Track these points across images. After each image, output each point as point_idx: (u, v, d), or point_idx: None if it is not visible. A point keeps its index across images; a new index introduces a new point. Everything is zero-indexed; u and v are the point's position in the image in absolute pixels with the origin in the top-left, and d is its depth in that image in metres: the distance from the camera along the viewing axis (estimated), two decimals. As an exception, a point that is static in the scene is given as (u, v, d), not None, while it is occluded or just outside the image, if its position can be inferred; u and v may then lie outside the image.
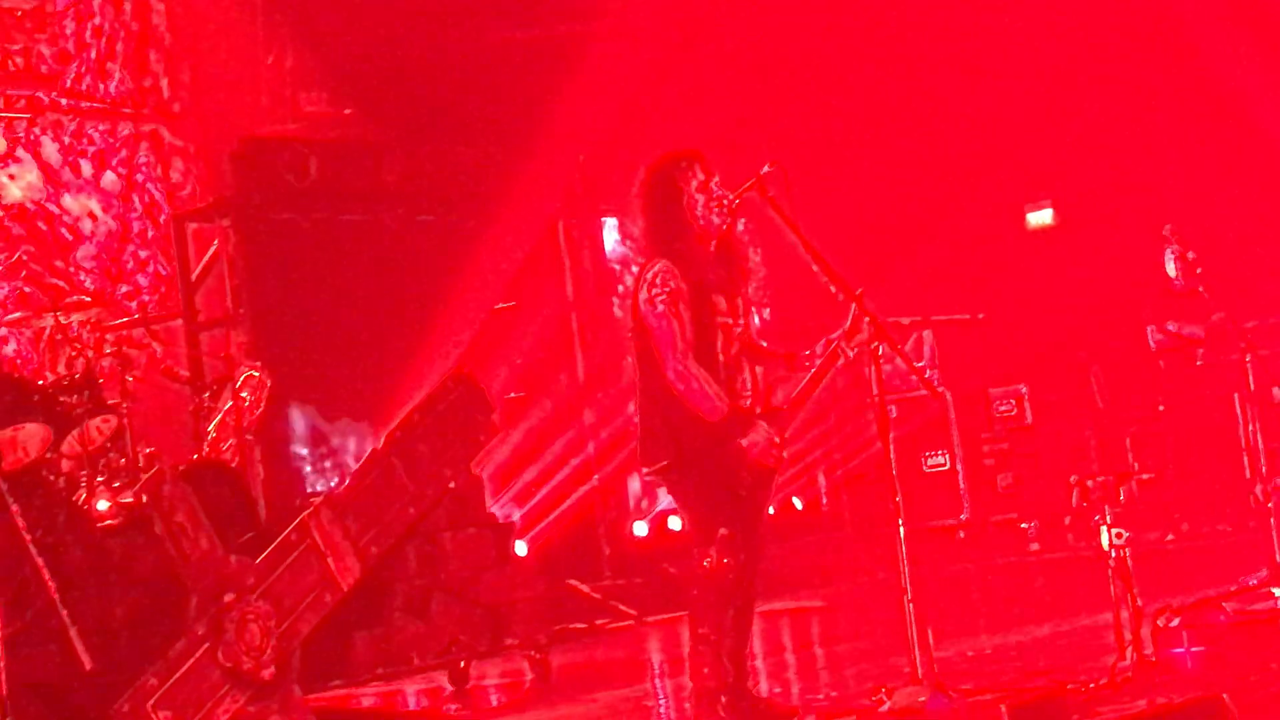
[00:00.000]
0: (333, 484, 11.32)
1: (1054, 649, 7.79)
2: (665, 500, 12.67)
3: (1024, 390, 13.30)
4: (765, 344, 6.67)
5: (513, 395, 12.87)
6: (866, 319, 6.26)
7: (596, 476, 12.95)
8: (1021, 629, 8.70)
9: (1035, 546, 12.77)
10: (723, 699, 6.38)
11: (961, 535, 13.21)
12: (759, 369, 6.58)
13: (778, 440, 6.35)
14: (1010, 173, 13.66)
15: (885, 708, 5.69)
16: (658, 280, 6.36)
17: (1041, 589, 10.80)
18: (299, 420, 11.74)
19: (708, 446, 6.30)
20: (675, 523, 12.54)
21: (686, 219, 6.44)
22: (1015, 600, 10.29)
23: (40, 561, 4.69)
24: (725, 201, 6.45)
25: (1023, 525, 13.05)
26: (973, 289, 13.82)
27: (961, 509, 13.27)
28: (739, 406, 6.37)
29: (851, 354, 6.33)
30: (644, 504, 13.19)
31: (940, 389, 13.07)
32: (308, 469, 11.83)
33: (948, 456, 13.30)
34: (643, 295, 6.39)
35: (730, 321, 6.47)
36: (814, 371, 6.48)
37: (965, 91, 13.42)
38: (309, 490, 11.42)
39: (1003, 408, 13.32)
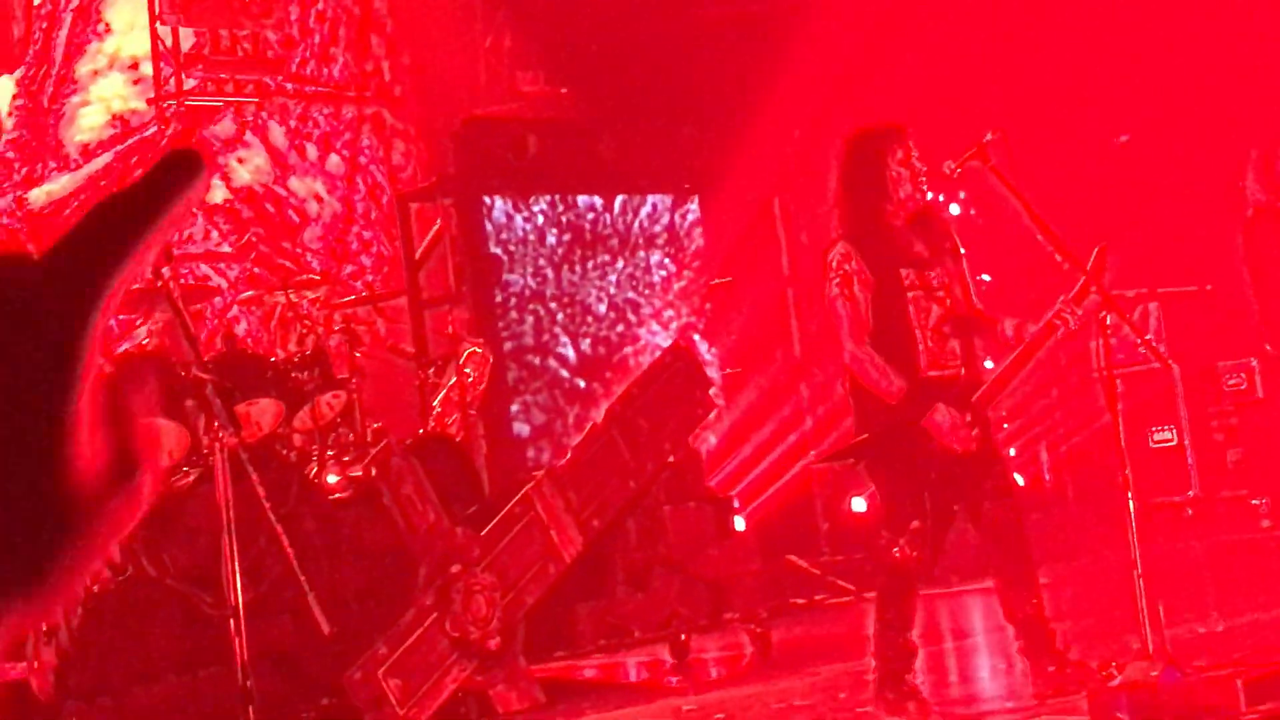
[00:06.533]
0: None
1: (1290, 627, 7.58)
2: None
3: (1255, 363, 12.92)
4: (986, 314, 6.57)
5: (730, 371, 12.90)
6: (1093, 289, 6.14)
7: (813, 452, 12.91)
8: (1254, 608, 8.47)
9: (1267, 524, 12.42)
10: (906, 678, 6.40)
11: (1190, 512, 12.90)
12: (977, 339, 6.50)
13: (967, 421, 6.25)
14: (1236, 138, 13.26)
15: (1115, 682, 5.59)
16: (833, 264, 6.37)
17: (1275, 567, 10.49)
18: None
19: (893, 429, 6.26)
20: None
21: (884, 192, 6.40)
22: (1247, 579, 10.02)
23: (280, 529, 4.83)
24: (926, 176, 6.40)
25: (1253, 502, 12.69)
26: (1201, 260, 13.46)
27: (1190, 485, 12.95)
28: (924, 386, 6.27)
29: (1074, 324, 6.21)
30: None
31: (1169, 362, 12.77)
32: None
33: (1175, 431, 12.98)
34: (823, 279, 6.40)
35: (922, 294, 6.39)
36: (1029, 342, 6.38)
37: (1201, 57, 13.06)
38: (531, 464, 11.59)
39: (1232, 381, 12.95)
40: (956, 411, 6.21)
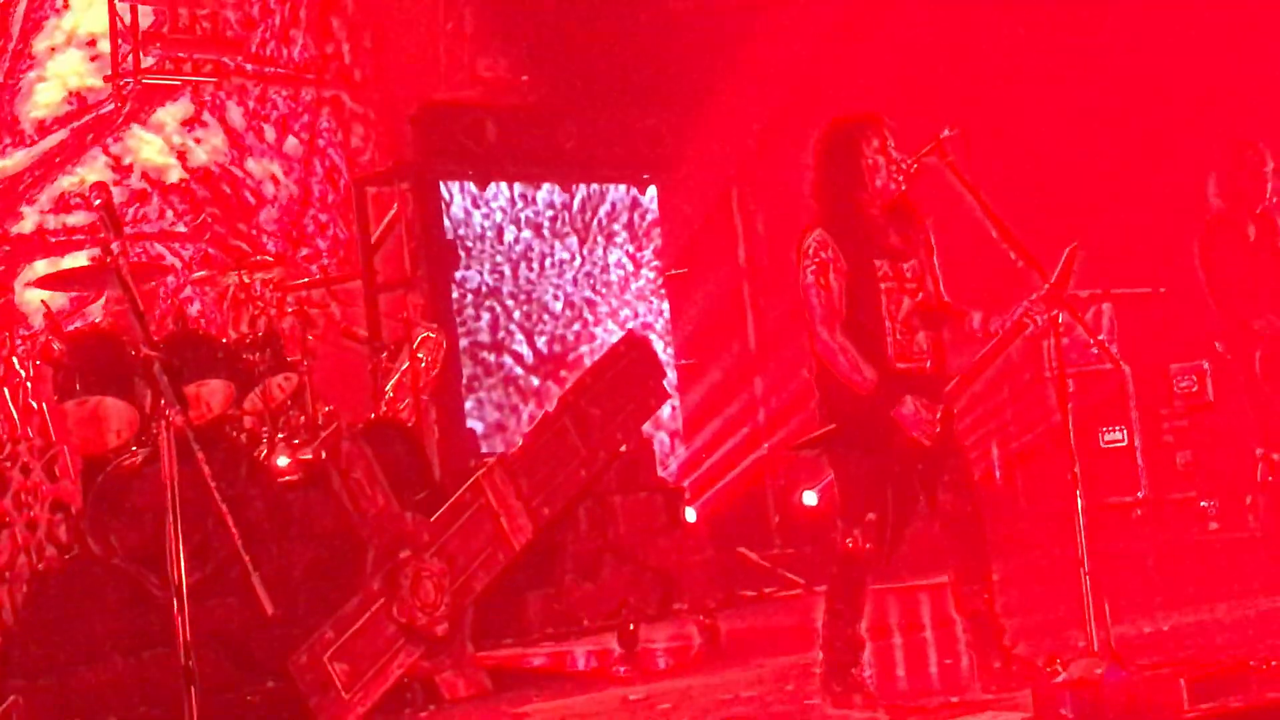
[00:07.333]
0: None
1: (1234, 628, 7.63)
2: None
3: (1206, 366, 13.00)
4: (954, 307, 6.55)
5: (684, 362, 12.90)
6: (1046, 286, 6.14)
7: (766, 445, 12.92)
8: (1200, 608, 8.52)
9: (1215, 526, 12.49)
10: (853, 671, 6.42)
11: (1139, 513, 12.96)
12: (945, 332, 6.49)
13: (934, 416, 6.25)
14: (1195, 142, 13.32)
15: (1060, 679, 5.61)
16: (809, 251, 6.34)
17: (1221, 568, 10.57)
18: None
19: (860, 419, 6.25)
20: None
21: (861, 182, 6.39)
22: (1194, 579, 10.09)
23: (225, 510, 4.79)
24: (903, 166, 6.38)
25: (1202, 504, 12.76)
26: (1155, 262, 13.52)
27: (1139, 486, 13.02)
28: (894, 378, 6.27)
29: (1042, 323, 6.19)
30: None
31: (1120, 363, 12.82)
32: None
33: (1126, 432, 13.04)
34: (797, 266, 6.38)
35: (895, 285, 6.39)
36: (1000, 339, 6.39)
37: (1157, 52, 13.12)
38: (483, 450, 11.57)
39: (1183, 384, 13.02)
40: (925, 404, 6.21)
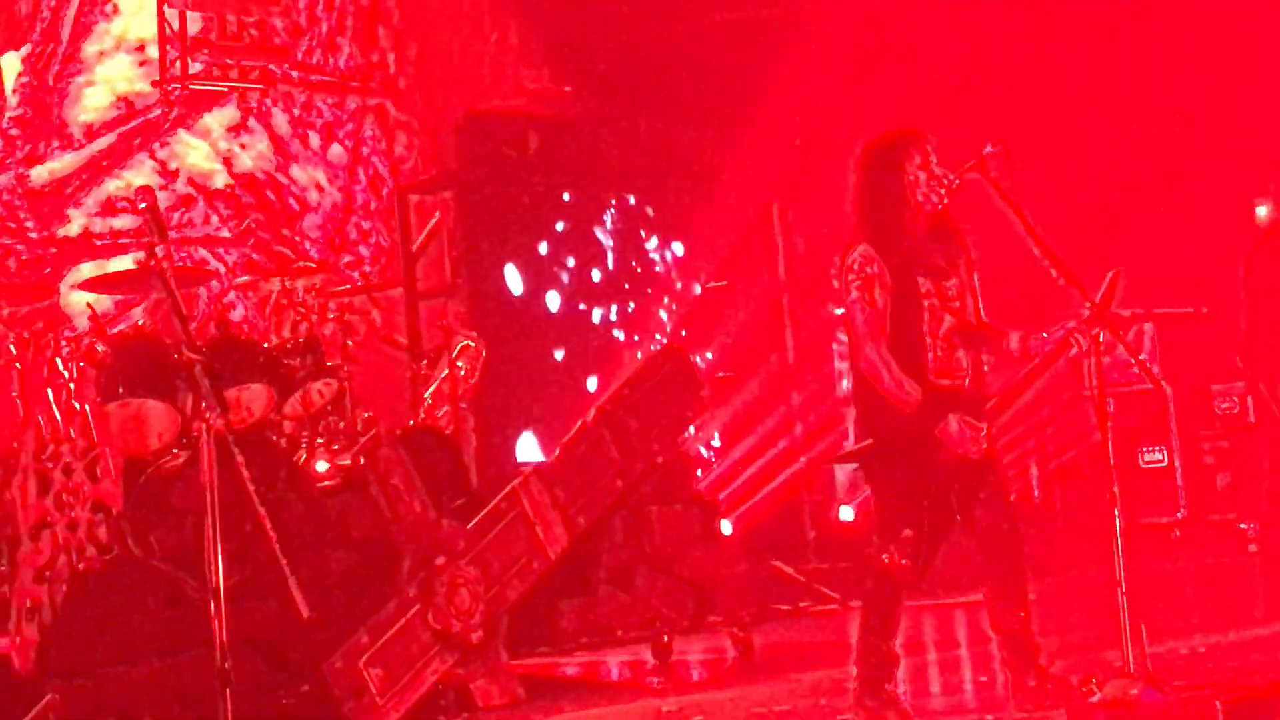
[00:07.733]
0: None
1: (1272, 650, 7.58)
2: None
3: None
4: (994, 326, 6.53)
5: (722, 374, 12.90)
6: (1087, 306, 6.13)
7: (803, 459, 12.91)
8: (1238, 630, 8.48)
9: (1254, 548, 12.42)
10: (887, 687, 6.41)
11: (1177, 534, 12.90)
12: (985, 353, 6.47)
13: (980, 430, 6.23)
14: (1240, 164, 13.26)
15: (1095, 699, 5.59)
16: (854, 266, 6.32)
17: (1260, 591, 10.51)
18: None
19: (899, 435, 6.24)
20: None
21: (903, 198, 6.37)
22: (1232, 601, 10.03)
23: (263, 513, 4.83)
24: (946, 182, 6.37)
25: (1241, 526, 12.69)
26: (1197, 282, 13.47)
27: (1179, 507, 12.96)
28: (936, 395, 6.25)
29: (1085, 345, 6.15)
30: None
31: (1161, 383, 12.77)
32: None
33: (1166, 453, 12.99)
34: (842, 281, 6.37)
35: (937, 303, 6.37)
36: (1041, 359, 6.37)
37: (1203, 72, 13.07)
38: (519, 459, 11.59)
39: (1224, 405, 12.96)
40: (970, 421, 6.20)
